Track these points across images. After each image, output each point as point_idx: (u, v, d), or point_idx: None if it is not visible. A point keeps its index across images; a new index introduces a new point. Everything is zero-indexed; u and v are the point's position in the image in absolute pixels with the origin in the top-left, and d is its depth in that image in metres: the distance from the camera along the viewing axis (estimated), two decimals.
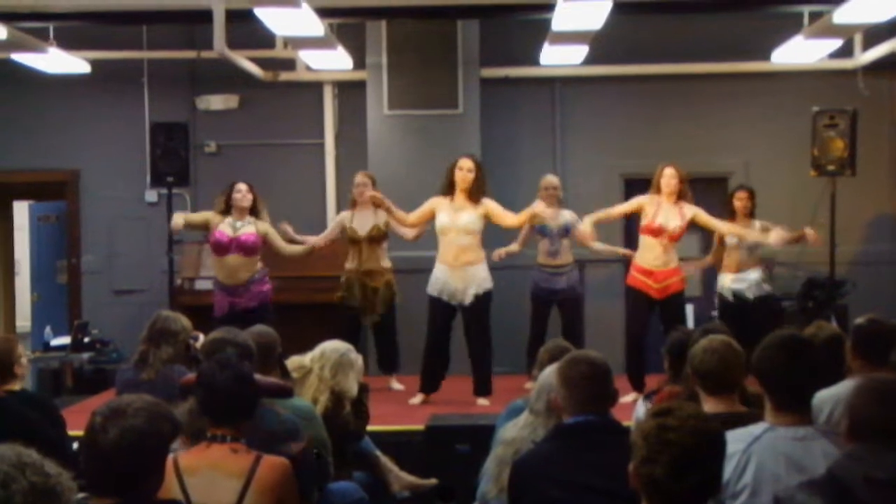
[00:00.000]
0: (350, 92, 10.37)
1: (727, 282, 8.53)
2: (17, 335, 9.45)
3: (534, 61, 9.45)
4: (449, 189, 7.60)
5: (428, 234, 8.05)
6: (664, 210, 7.75)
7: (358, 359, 5.25)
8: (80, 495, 2.43)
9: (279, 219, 8.24)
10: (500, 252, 8.37)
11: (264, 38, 9.20)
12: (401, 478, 5.69)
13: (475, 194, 7.56)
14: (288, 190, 10.12)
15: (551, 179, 8.44)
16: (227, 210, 7.96)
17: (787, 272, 9.92)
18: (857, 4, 7.37)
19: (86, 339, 9.52)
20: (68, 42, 9.25)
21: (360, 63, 9.81)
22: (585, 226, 8.07)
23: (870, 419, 2.92)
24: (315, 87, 10.47)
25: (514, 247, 8.53)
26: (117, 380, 5.63)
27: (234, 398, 3.66)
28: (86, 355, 9.42)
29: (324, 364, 5.11)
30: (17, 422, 4.37)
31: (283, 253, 8.09)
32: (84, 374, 9.31)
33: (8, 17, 8.41)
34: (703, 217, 7.83)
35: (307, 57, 9.53)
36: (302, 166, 10.53)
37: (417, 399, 7.84)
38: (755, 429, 3.31)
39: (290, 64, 10.23)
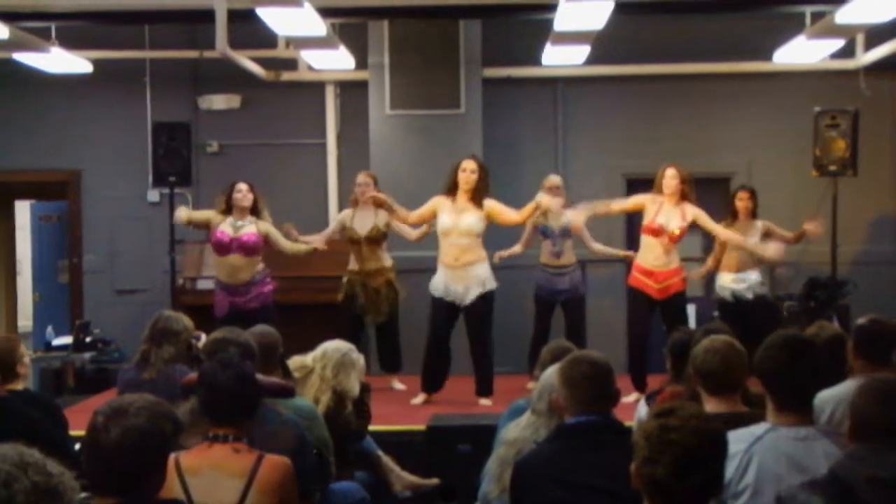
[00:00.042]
0: (352, 92, 10.37)
1: (726, 281, 8.53)
2: (18, 335, 9.47)
3: (536, 61, 9.45)
4: (452, 189, 7.60)
5: (430, 235, 8.04)
6: (665, 210, 7.74)
7: (360, 358, 5.25)
8: (83, 495, 2.43)
9: (281, 218, 8.24)
10: (502, 254, 8.37)
11: (266, 38, 9.20)
12: (402, 478, 5.69)
13: (478, 196, 7.55)
14: (290, 190, 10.12)
15: (554, 179, 8.44)
16: (227, 210, 7.96)
17: (789, 272, 9.93)
18: (859, 5, 7.37)
19: (87, 339, 9.53)
20: (70, 42, 9.26)
21: (362, 63, 9.81)
22: (579, 215, 8.04)
23: (872, 419, 2.92)
24: (317, 87, 10.48)
25: (516, 248, 8.52)
26: (119, 379, 5.63)
27: (236, 398, 3.66)
28: (87, 355, 9.42)
29: (325, 364, 5.11)
30: (20, 421, 4.36)
31: (285, 251, 8.09)
32: (86, 373, 9.31)
33: (10, 16, 8.41)
34: (704, 220, 7.82)
35: (309, 57, 9.53)
36: (304, 166, 10.53)
37: (419, 399, 7.85)
38: (757, 429, 3.31)
39: (292, 64, 10.23)
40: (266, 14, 7.46)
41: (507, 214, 7.66)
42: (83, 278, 10.73)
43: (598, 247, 8.58)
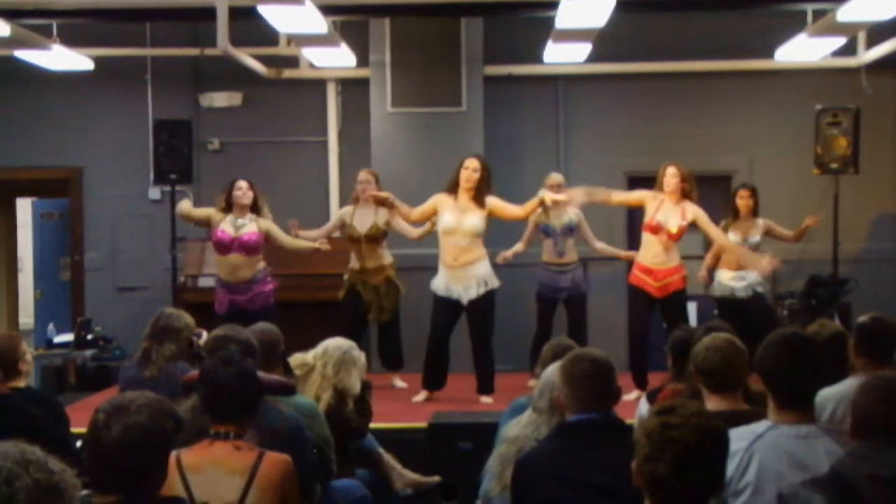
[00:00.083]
0: (353, 89, 10.37)
1: (725, 279, 8.50)
2: (20, 332, 9.48)
3: (537, 59, 9.45)
4: (453, 187, 7.60)
5: (431, 233, 8.03)
6: (665, 208, 7.75)
7: (361, 356, 5.25)
8: (84, 492, 2.43)
9: (282, 216, 8.24)
10: (507, 254, 8.37)
11: (268, 36, 9.19)
12: (404, 475, 5.69)
13: (479, 195, 7.55)
14: (291, 187, 10.12)
15: (556, 177, 8.43)
16: (228, 207, 7.96)
17: (789, 268, 9.94)
18: (861, 3, 7.36)
19: (89, 337, 9.53)
20: (71, 39, 9.26)
21: (363, 60, 9.81)
22: (576, 193, 8.00)
23: (873, 417, 2.92)
24: (318, 85, 10.48)
25: (518, 247, 8.51)
26: (120, 377, 5.64)
27: (237, 395, 3.66)
28: (89, 352, 9.42)
29: (326, 361, 5.12)
30: (21, 419, 4.37)
31: (285, 247, 8.09)
32: (87, 371, 9.32)
33: (11, 13, 8.42)
34: (703, 222, 7.79)
35: (311, 54, 9.52)
36: (305, 164, 10.53)
37: (421, 396, 7.85)
38: (758, 427, 3.31)
39: (293, 61, 10.23)
40: (267, 11, 7.46)
41: (510, 209, 7.66)
42: (84, 276, 10.73)
43: (600, 245, 8.57)
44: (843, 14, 7.61)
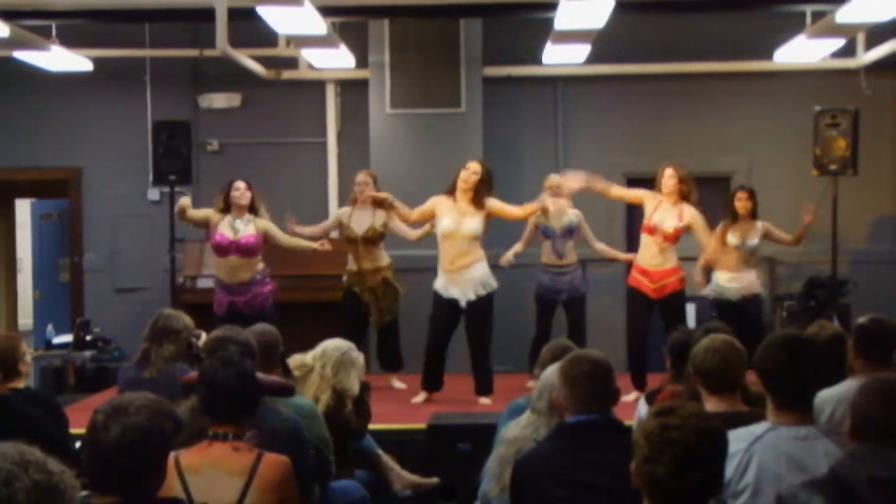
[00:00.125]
0: (352, 90, 10.37)
1: (722, 280, 8.47)
2: (19, 333, 9.47)
3: (536, 60, 9.45)
4: (452, 188, 7.60)
5: (430, 235, 8.03)
6: (662, 209, 7.76)
7: (359, 357, 5.25)
8: (83, 493, 2.43)
9: (282, 217, 8.24)
10: (508, 256, 8.36)
11: (267, 37, 9.19)
12: (402, 476, 5.69)
13: (478, 198, 7.56)
14: (290, 188, 10.12)
15: (555, 178, 8.42)
16: (226, 208, 7.96)
17: (789, 271, 9.94)
18: (860, 4, 7.36)
19: (88, 338, 9.52)
20: (71, 40, 9.25)
21: (362, 62, 9.81)
22: (577, 175, 8.00)
23: (873, 418, 2.92)
24: (317, 86, 10.48)
25: (517, 247, 8.49)
26: (119, 378, 5.64)
27: (236, 396, 3.66)
28: (88, 353, 9.42)
29: (325, 362, 5.12)
30: (21, 420, 4.37)
31: (285, 246, 8.09)
32: (86, 372, 9.32)
33: (10, 15, 8.42)
34: (697, 227, 7.79)
35: (310, 55, 9.52)
36: (304, 165, 10.53)
37: (420, 397, 7.84)
38: (757, 428, 3.31)
39: (292, 62, 10.23)
40: (266, 12, 7.45)
41: (509, 210, 7.71)
42: (83, 276, 10.73)
43: (600, 246, 8.56)
44: (842, 15, 7.61)
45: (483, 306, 7.63)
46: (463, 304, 7.60)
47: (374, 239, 8.23)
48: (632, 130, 10.35)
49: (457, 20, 9.76)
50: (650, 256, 7.82)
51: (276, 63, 10.06)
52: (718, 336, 4.02)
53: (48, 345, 9.99)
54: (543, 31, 8.53)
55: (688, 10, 9.63)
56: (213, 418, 3.64)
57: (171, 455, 3.12)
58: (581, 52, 8.83)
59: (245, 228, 7.90)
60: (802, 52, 8.90)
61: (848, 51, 9.55)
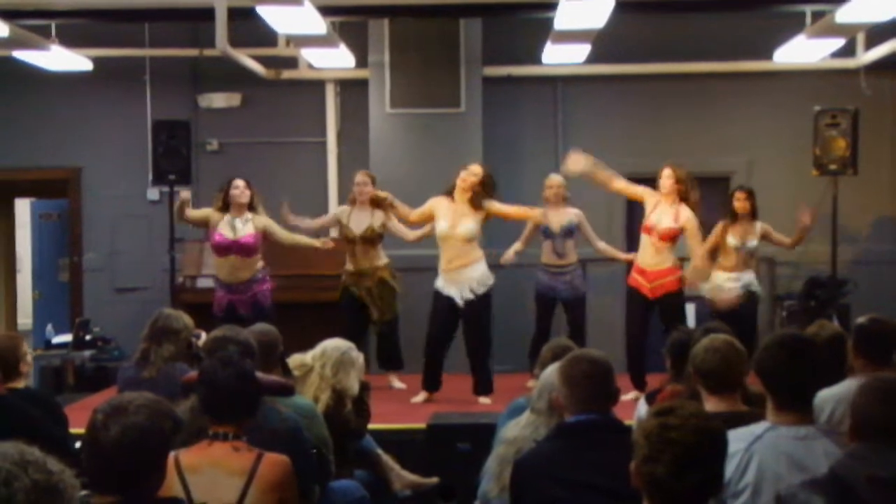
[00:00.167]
0: (352, 90, 10.37)
1: (720, 280, 8.46)
2: (19, 333, 9.47)
3: (536, 60, 9.45)
4: (451, 189, 7.61)
5: (430, 236, 8.03)
6: (660, 209, 7.77)
7: (359, 357, 5.25)
8: (83, 493, 2.43)
9: (279, 217, 8.23)
10: (509, 255, 8.35)
11: (266, 36, 9.19)
12: (402, 476, 5.69)
13: (477, 199, 7.56)
14: (290, 188, 10.04)
15: (556, 178, 8.43)
16: (225, 207, 7.97)
17: (789, 271, 9.93)
18: (860, 4, 7.36)
19: (87, 337, 9.52)
20: (70, 39, 9.25)
21: (362, 61, 9.81)
22: (581, 158, 7.99)
23: (872, 418, 2.92)
24: (317, 86, 10.47)
25: (517, 245, 8.48)
26: (119, 377, 5.64)
27: (236, 396, 3.66)
28: (87, 353, 9.42)
29: (325, 362, 5.12)
30: (20, 419, 4.37)
31: (285, 242, 8.10)
32: (85, 371, 9.32)
33: (10, 14, 8.41)
34: (691, 231, 7.76)
35: (309, 55, 9.52)
36: (304, 164, 10.53)
37: (420, 397, 7.84)
38: (757, 428, 3.31)
39: (292, 62, 10.22)
40: (266, 12, 7.45)
41: (508, 210, 7.76)
42: (83, 276, 10.73)
43: (602, 245, 8.55)
44: (842, 15, 7.61)
45: (480, 306, 7.64)
46: (460, 303, 7.60)
47: (372, 239, 8.23)
48: (632, 130, 10.35)
49: (457, 20, 9.76)
50: (648, 256, 7.83)
51: (275, 63, 10.06)
52: (718, 336, 4.02)
53: (47, 344, 9.99)
54: (543, 30, 8.53)
55: (688, 10, 9.63)
56: (213, 418, 3.64)
57: (171, 455, 3.11)
58: (581, 51, 8.83)
59: (244, 227, 7.91)
60: (802, 52, 8.90)
61: (848, 51, 9.55)
